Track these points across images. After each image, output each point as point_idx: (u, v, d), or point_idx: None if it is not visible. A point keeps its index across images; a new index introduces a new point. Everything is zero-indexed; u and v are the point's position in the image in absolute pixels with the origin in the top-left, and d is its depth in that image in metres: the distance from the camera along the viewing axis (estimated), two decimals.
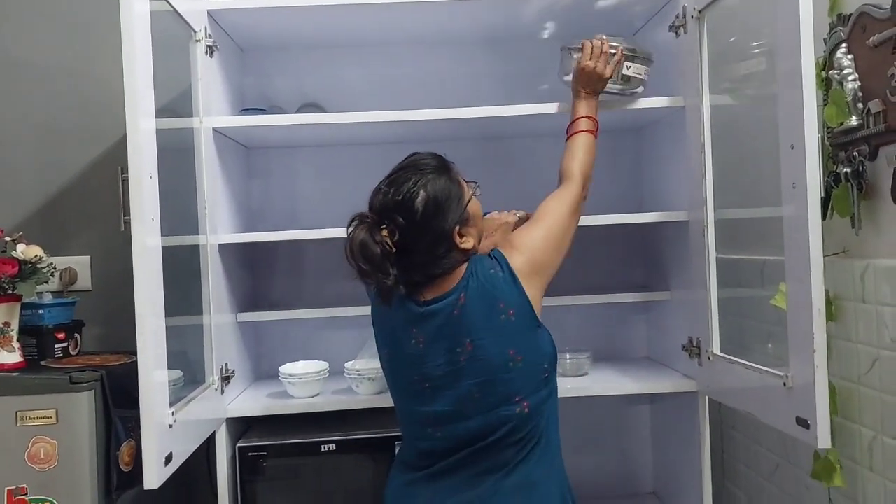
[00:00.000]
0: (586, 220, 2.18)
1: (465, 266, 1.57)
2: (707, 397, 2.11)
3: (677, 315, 2.25)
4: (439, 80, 2.50)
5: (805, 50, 1.52)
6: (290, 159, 2.52)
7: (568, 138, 1.92)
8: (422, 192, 1.52)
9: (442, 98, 2.40)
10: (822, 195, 1.82)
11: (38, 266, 2.01)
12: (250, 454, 2.08)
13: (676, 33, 2.12)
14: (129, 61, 1.53)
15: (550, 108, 2.12)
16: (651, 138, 2.44)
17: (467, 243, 1.57)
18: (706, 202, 2.00)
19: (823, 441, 1.51)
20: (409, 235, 1.51)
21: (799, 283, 1.56)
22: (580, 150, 1.88)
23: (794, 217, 1.57)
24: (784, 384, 1.62)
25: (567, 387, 2.21)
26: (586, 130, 1.90)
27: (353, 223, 1.53)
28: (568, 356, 2.29)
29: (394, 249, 1.50)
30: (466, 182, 1.64)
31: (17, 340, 2.00)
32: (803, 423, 1.56)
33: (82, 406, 1.82)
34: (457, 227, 1.55)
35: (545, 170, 2.48)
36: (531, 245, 1.63)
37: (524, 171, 2.51)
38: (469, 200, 1.60)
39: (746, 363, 1.83)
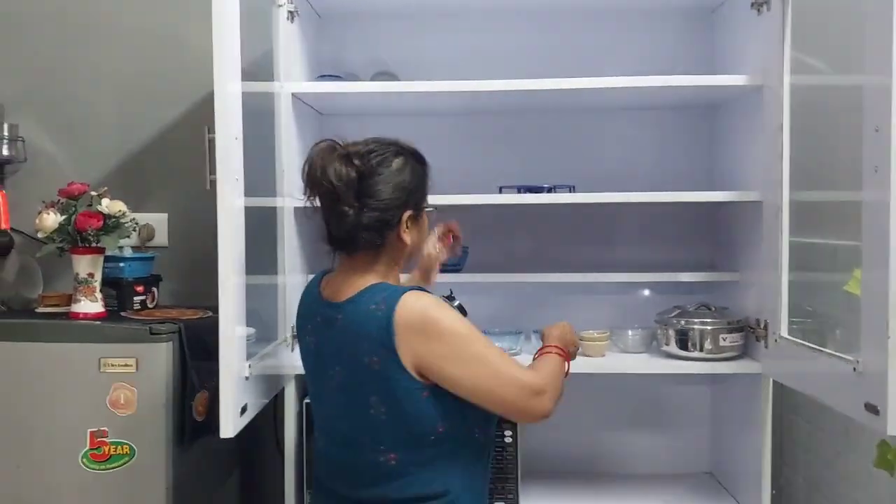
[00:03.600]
0: (655, 197, 2.19)
1: (370, 280, 1.54)
2: (770, 380, 2.10)
3: (744, 296, 2.24)
4: (511, 50, 2.49)
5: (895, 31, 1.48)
6: (362, 127, 2.51)
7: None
8: (402, 159, 1.57)
9: (512, 70, 2.39)
10: None
11: (121, 221, 2.10)
12: None
13: (759, 10, 2.08)
14: (218, 26, 1.57)
15: (626, 81, 2.11)
16: (726, 116, 2.41)
17: (407, 236, 1.56)
18: (782, 183, 1.97)
19: (893, 428, 1.49)
20: (371, 183, 1.51)
21: (876, 269, 1.54)
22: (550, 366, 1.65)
23: (874, 202, 1.54)
24: (854, 369, 1.60)
25: (628, 363, 2.23)
26: (557, 353, 1.68)
27: (321, 145, 1.54)
28: (630, 332, 2.30)
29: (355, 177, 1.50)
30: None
31: (100, 291, 2.10)
32: (873, 409, 1.54)
33: (161, 356, 1.90)
34: (410, 213, 1.55)
35: (615, 145, 2.51)
36: (438, 356, 1.45)
37: (585, 144, 2.51)
38: (426, 209, 1.64)
39: (815, 347, 1.82)
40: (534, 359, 1.69)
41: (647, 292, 2.50)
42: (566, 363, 1.67)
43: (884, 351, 1.51)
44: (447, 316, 1.48)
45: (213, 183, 1.57)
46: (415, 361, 1.44)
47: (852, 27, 1.66)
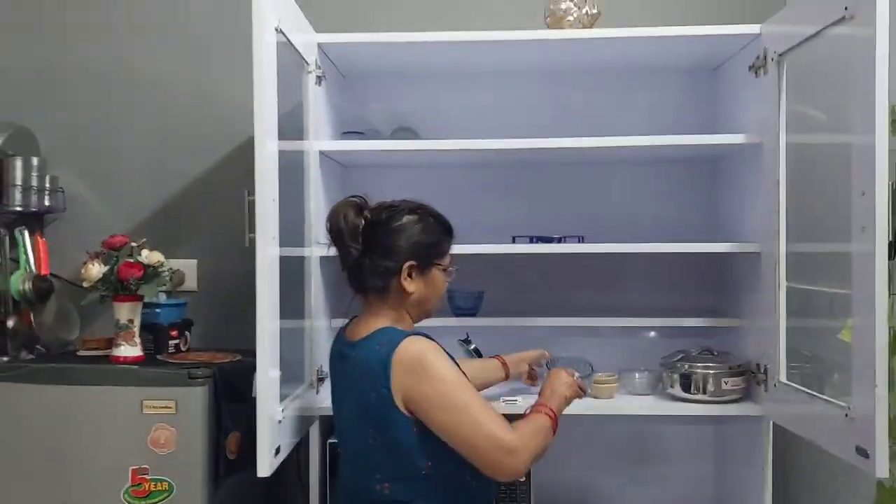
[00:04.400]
0: (659, 248, 2.32)
1: (381, 324, 1.74)
2: (771, 423, 2.20)
3: (745, 341, 2.35)
4: (524, 108, 2.64)
5: (879, 103, 1.63)
6: (383, 178, 2.69)
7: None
8: (416, 216, 1.78)
9: (525, 127, 2.53)
10: (892, 238, 1.92)
11: (160, 270, 2.24)
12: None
13: (756, 73, 2.23)
14: (259, 92, 1.72)
15: (631, 140, 2.26)
16: (727, 171, 2.55)
17: (409, 285, 1.74)
18: (779, 235, 2.10)
19: (881, 470, 1.61)
20: (378, 232, 1.74)
21: (864, 319, 1.66)
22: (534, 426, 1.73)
23: (862, 259, 1.68)
24: (846, 415, 1.72)
25: (635, 405, 2.34)
26: (546, 414, 1.76)
27: (346, 198, 1.82)
28: (637, 375, 2.41)
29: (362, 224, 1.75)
30: (450, 264, 1.84)
31: (138, 336, 2.24)
32: (863, 452, 1.65)
33: (198, 398, 2.03)
34: (411, 262, 1.74)
35: (622, 196, 2.64)
36: (425, 398, 1.62)
37: (593, 196, 2.65)
38: (442, 266, 1.81)
39: (811, 392, 1.93)
40: (524, 414, 1.79)
41: (652, 336, 2.62)
42: (553, 423, 1.76)
43: (872, 397, 1.62)
44: (440, 363, 1.64)
45: (252, 241, 1.71)
46: (405, 399, 1.62)
47: (842, 90, 1.80)
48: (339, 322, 2.43)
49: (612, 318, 2.43)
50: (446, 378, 1.62)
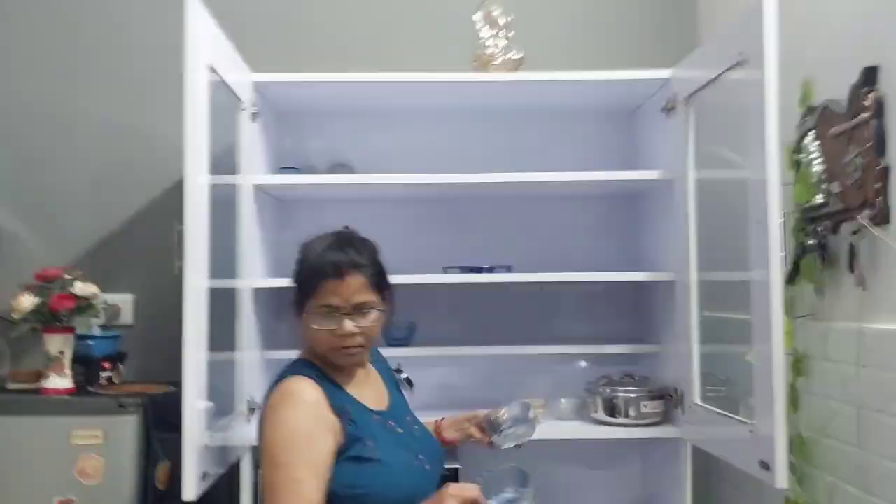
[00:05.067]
0: (582, 277, 2.43)
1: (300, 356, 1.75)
2: (689, 443, 2.30)
3: (664, 366, 2.46)
4: (453, 147, 2.74)
5: (770, 140, 1.76)
6: (320, 213, 2.76)
7: None
8: (299, 254, 1.73)
9: (456, 163, 2.63)
10: (792, 264, 2.06)
11: (93, 302, 2.26)
12: None
13: (667, 114, 2.37)
14: (190, 126, 1.79)
15: (555, 176, 2.39)
16: (646, 204, 2.68)
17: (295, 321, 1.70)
18: (689, 264, 2.22)
19: (781, 482, 1.71)
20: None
21: (763, 343, 1.78)
22: None
23: (759, 283, 1.80)
24: (751, 432, 1.82)
25: (562, 429, 2.42)
26: None
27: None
28: (563, 401, 2.50)
29: None
30: (322, 307, 1.66)
31: (70, 368, 2.25)
32: (765, 465, 1.76)
33: (128, 428, 2.05)
34: (292, 302, 1.69)
35: (549, 229, 2.75)
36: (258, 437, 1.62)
37: (522, 228, 2.76)
38: (309, 309, 1.66)
39: (721, 412, 2.04)
40: None
41: (579, 363, 2.71)
42: None
43: (772, 415, 1.73)
44: (288, 413, 1.57)
45: (181, 269, 1.76)
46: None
47: (740, 129, 1.94)
48: (273, 354, 2.49)
49: (541, 346, 2.53)
50: (283, 430, 1.56)
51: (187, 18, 1.76)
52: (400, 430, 1.72)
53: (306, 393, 1.61)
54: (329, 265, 1.63)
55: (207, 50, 1.85)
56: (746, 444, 1.85)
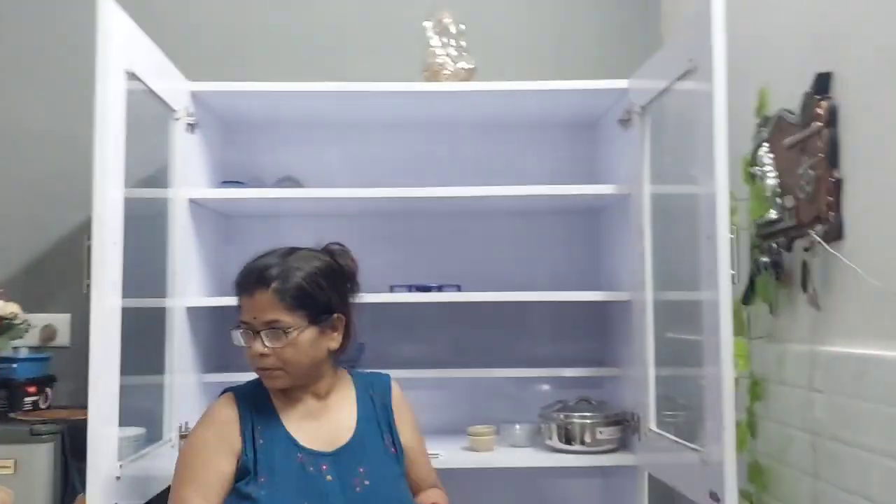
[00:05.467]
0: (541, 296, 2.31)
1: None
2: (646, 471, 2.19)
3: (622, 390, 2.35)
4: (405, 161, 2.64)
5: (718, 149, 1.67)
6: (269, 227, 2.65)
7: None
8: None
9: (408, 177, 2.53)
10: (748, 283, 1.95)
11: (14, 322, 2.14)
12: None
13: (624, 126, 2.28)
14: (100, 135, 1.68)
15: (509, 190, 2.28)
16: (604, 221, 2.58)
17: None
18: (644, 283, 2.12)
19: None
20: None
21: (712, 365, 1.67)
22: None
23: (708, 301, 1.69)
24: (701, 459, 1.71)
25: (515, 457, 2.30)
26: None
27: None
28: (517, 426, 2.38)
29: None
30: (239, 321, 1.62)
31: None
32: (715, 497, 1.64)
33: (41, 457, 1.92)
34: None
35: (503, 246, 2.64)
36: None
37: (474, 246, 2.65)
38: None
39: (673, 438, 1.93)
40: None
41: (540, 387, 2.60)
42: None
43: (720, 441, 1.62)
44: (191, 432, 1.62)
45: (89, 287, 1.64)
46: None
47: (691, 140, 1.85)
48: (212, 377, 2.37)
49: (495, 369, 2.41)
50: (186, 446, 1.61)
51: (99, 18, 1.65)
52: (329, 478, 1.56)
53: (218, 412, 1.60)
54: (239, 279, 1.61)
55: (123, 52, 1.74)
56: (697, 472, 1.73)
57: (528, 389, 2.61)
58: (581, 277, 2.62)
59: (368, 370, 1.83)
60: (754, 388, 1.96)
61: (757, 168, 1.91)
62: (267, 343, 1.54)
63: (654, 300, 2.12)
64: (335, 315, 1.61)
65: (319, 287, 1.59)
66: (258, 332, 1.55)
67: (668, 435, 1.97)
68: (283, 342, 1.54)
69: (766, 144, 1.90)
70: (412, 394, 2.58)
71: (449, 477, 2.51)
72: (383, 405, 1.72)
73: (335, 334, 1.62)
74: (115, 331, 1.70)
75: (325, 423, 1.63)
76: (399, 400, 1.76)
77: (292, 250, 1.65)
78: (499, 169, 2.64)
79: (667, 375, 2.12)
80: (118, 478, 1.68)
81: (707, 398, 1.71)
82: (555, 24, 2.75)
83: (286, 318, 1.54)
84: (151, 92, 1.98)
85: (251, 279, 1.57)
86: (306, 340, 1.56)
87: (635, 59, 2.49)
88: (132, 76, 1.81)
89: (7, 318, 2.12)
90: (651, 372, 2.10)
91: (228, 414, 1.58)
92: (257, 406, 1.60)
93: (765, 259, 1.87)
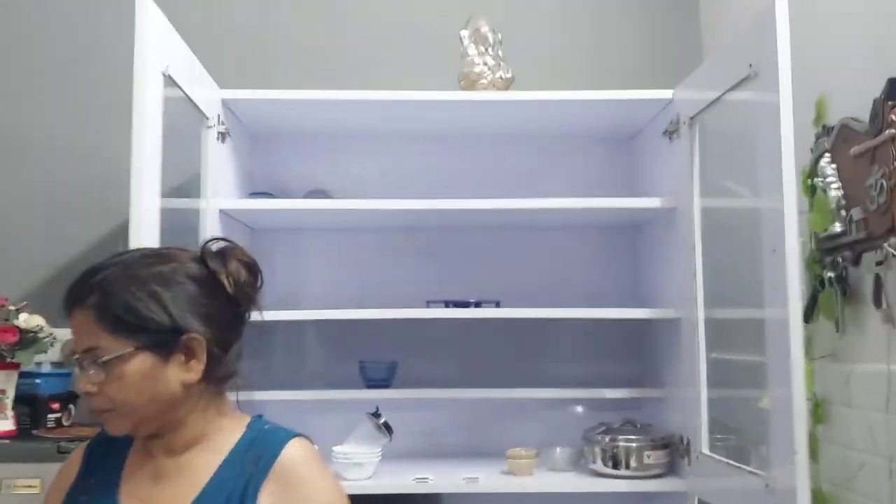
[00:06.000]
0: (578, 313, 2.22)
1: None
2: (696, 498, 2.08)
3: (669, 413, 2.25)
4: (438, 174, 2.55)
5: (786, 159, 1.59)
6: (295, 242, 2.58)
7: None
8: None
9: (442, 191, 2.45)
10: (809, 299, 1.86)
11: (39, 336, 2.06)
12: None
13: (670, 138, 2.20)
14: (137, 143, 1.61)
15: (547, 203, 2.21)
16: (646, 236, 2.49)
17: None
18: (696, 301, 2.03)
19: None
20: None
21: (780, 385, 1.58)
22: None
23: (775, 319, 1.60)
24: (766, 485, 1.61)
25: (556, 482, 2.20)
26: None
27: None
28: (558, 450, 2.28)
29: None
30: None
31: (12, 409, 2.03)
32: None
33: None
34: None
35: (541, 262, 2.56)
36: None
37: (512, 261, 2.56)
38: None
39: (731, 463, 1.83)
40: None
41: (575, 409, 2.50)
42: None
43: (792, 467, 1.52)
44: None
45: None
46: None
47: (750, 150, 1.77)
48: (241, 396, 2.28)
49: (532, 389, 2.32)
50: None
51: (138, 18, 1.59)
52: None
53: (66, 461, 1.30)
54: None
55: (160, 54, 1.68)
56: (761, 499, 1.63)
57: (563, 411, 2.51)
58: (619, 294, 2.52)
59: (279, 426, 1.27)
60: (816, 411, 1.86)
61: (818, 179, 1.83)
62: (87, 375, 1.13)
63: (706, 318, 2.02)
64: (185, 336, 1.15)
65: (157, 300, 1.14)
66: (77, 361, 1.15)
67: (724, 459, 1.87)
68: (103, 375, 1.12)
69: (827, 155, 1.82)
70: (444, 414, 2.51)
71: (487, 502, 2.44)
72: (256, 472, 1.17)
73: (191, 363, 1.16)
74: None
75: (166, 490, 1.19)
76: (289, 471, 1.18)
77: (139, 251, 1.27)
78: (533, 181, 2.56)
79: (715, 397, 2.03)
80: None
81: (773, 421, 1.61)
82: (591, 35, 2.69)
83: (105, 342, 1.12)
84: (186, 98, 1.92)
85: (71, 292, 1.17)
86: (135, 372, 1.13)
87: (674, 69, 2.44)
88: (169, 80, 1.74)
89: (32, 332, 2.04)
90: (703, 393, 2.01)
91: (70, 464, 1.27)
92: (107, 459, 1.24)
93: (830, 274, 1.78)
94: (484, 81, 2.31)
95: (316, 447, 1.29)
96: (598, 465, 2.18)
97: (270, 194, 2.42)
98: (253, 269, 1.25)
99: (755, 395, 1.86)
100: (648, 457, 2.14)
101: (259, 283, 1.26)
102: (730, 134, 2.01)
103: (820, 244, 1.85)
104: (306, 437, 1.25)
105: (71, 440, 1.90)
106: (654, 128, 2.37)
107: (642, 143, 2.52)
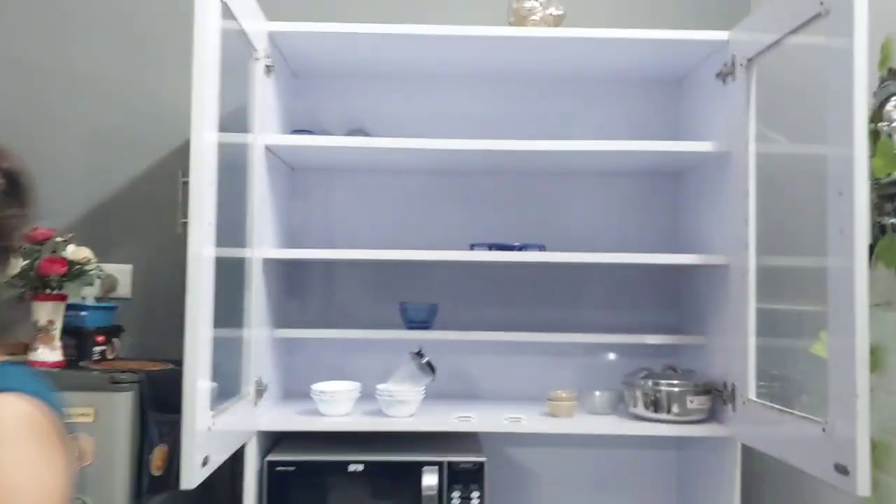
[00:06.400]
0: (625, 258, 2.21)
1: None
2: (739, 444, 2.09)
3: (710, 359, 2.25)
4: (483, 115, 2.53)
5: (858, 99, 1.55)
6: (331, 182, 2.56)
7: None
8: None
9: (482, 132, 2.41)
10: (867, 247, 1.84)
11: (86, 268, 2.06)
12: (278, 469, 2.09)
13: (724, 80, 2.15)
14: (198, 74, 1.58)
15: (585, 145, 2.18)
16: (690, 183, 2.46)
17: None
18: (748, 247, 2.01)
19: (863, 488, 1.50)
20: None
21: (842, 331, 1.57)
22: None
23: (839, 264, 1.58)
24: (823, 430, 1.61)
25: (596, 424, 2.21)
26: None
27: None
28: (598, 393, 2.28)
29: None
30: None
31: (60, 339, 2.04)
32: (842, 469, 1.54)
33: (121, 406, 1.84)
34: None
35: (583, 208, 2.54)
36: None
37: (554, 206, 2.55)
38: None
39: (784, 409, 1.82)
40: None
41: (613, 354, 2.51)
42: None
43: (852, 411, 1.52)
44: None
45: (184, 227, 1.55)
46: None
47: (815, 98, 1.73)
48: (285, 332, 2.29)
49: (573, 333, 2.32)
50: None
51: None
52: None
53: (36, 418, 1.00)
54: None
55: None
56: (817, 444, 1.63)
57: (601, 357, 2.53)
58: (659, 241, 2.51)
59: (13, 375, 1.01)
60: (871, 359, 1.83)
61: (883, 124, 1.79)
62: None
63: (758, 265, 2.00)
64: None
65: None
66: None
67: (776, 406, 1.87)
68: None
69: (893, 99, 1.78)
70: (483, 359, 2.51)
71: (529, 442, 2.46)
72: None
73: None
74: (210, 276, 1.61)
75: None
76: None
77: None
78: (576, 124, 2.53)
79: (762, 344, 2.02)
80: (209, 429, 1.60)
81: (834, 367, 1.60)
82: None
83: None
84: (240, 30, 1.88)
85: None
86: None
87: (722, 11, 2.40)
88: (226, 10, 1.70)
89: (79, 264, 2.04)
90: (752, 340, 2.00)
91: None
92: None
93: (891, 221, 1.76)
94: (535, 17, 2.26)
95: (43, 414, 0.97)
96: (640, 409, 2.18)
97: (312, 132, 2.39)
98: (15, 178, 1.02)
99: (804, 344, 1.85)
100: (691, 402, 2.14)
101: (21, 198, 1.04)
102: (791, 76, 1.97)
103: (881, 190, 1.82)
104: (34, 395, 0.98)
105: (122, 371, 1.91)
106: (704, 71, 2.32)
107: (691, 88, 2.47)
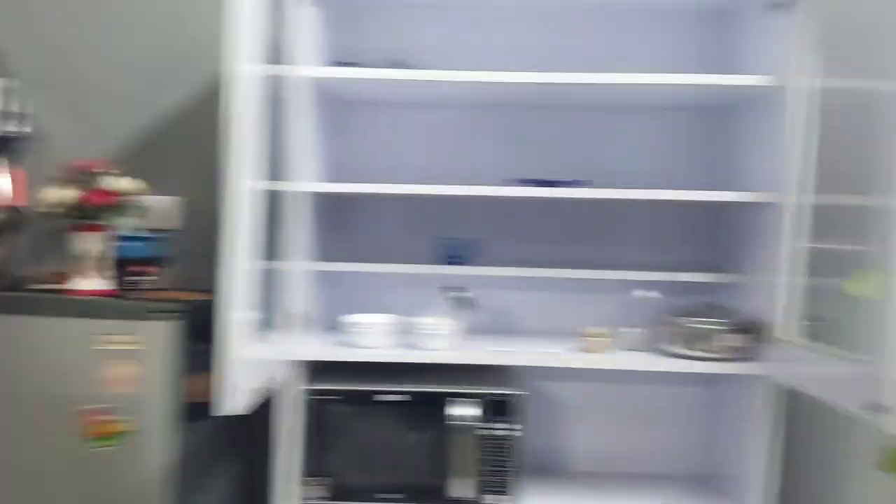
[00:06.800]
0: (670, 195, 2.18)
1: None
2: (774, 382, 2.08)
3: (748, 298, 2.22)
4: (527, 47, 2.47)
5: None
6: (376, 117, 2.55)
7: None
8: None
9: (526, 66, 2.36)
10: None
11: (134, 200, 2.09)
12: (316, 398, 2.14)
13: (775, 11, 2.07)
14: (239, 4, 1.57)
15: (639, 78, 2.12)
16: (739, 118, 2.39)
17: None
18: (798, 186, 1.96)
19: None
20: None
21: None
22: None
23: (885, 207, 1.53)
24: (865, 370, 1.59)
25: (631, 360, 2.21)
26: None
27: None
28: (633, 330, 2.28)
29: None
30: None
31: (107, 269, 2.10)
32: (881, 408, 1.53)
33: (165, 334, 1.90)
34: None
35: (628, 144, 2.50)
36: None
37: (599, 143, 2.51)
38: None
39: (821, 346, 1.80)
40: None
41: (652, 292, 2.49)
42: None
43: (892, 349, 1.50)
44: None
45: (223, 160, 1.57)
46: None
47: (882, 28, 1.65)
48: (324, 265, 2.32)
49: (610, 270, 2.30)
50: None
51: None
52: None
53: None
54: None
55: None
56: (856, 383, 1.62)
57: (637, 294, 2.51)
58: (703, 180, 2.45)
59: None
60: None
61: None
62: None
63: (807, 204, 1.96)
64: None
65: None
66: None
67: (816, 344, 1.85)
68: None
69: None
70: (520, 295, 2.52)
71: (564, 376, 2.48)
72: None
73: None
74: (249, 208, 1.63)
75: None
76: None
77: None
78: (622, 59, 2.45)
79: (804, 284, 1.98)
80: (244, 357, 1.65)
81: (885, 308, 1.57)
82: None
83: None
84: None
85: None
86: None
87: None
88: None
89: (128, 195, 2.07)
90: (793, 279, 1.97)
91: None
92: None
93: None
94: None
95: None
96: (675, 347, 2.18)
97: (356, 64, 2.37)
98: None
99: (842, 282, 1.81)
100: (728, 340, 2.13)
101: None
102: (851, 11, 1.88)
103: None
104: None
105: (166, 301, 1.96)
106: (755, 2, 2.23)
107: (742, 18, 2.38)
